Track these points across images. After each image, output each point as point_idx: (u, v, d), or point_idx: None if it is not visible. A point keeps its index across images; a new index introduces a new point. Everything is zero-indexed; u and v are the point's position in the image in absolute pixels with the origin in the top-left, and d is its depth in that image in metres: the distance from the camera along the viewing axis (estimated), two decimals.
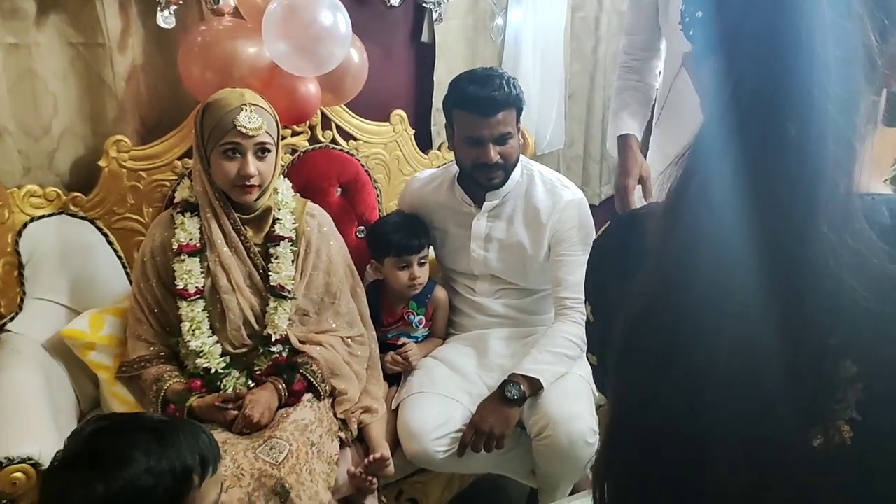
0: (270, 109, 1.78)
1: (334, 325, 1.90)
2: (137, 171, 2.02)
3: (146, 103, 2.06)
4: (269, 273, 1.80)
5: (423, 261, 2.02)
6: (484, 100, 1.85)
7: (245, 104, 1.71)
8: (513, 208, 2.00)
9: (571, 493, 1.92)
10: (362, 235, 2.25)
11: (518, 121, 1.92)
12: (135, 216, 2.04)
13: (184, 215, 1.79)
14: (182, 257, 1.77)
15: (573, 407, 1.81)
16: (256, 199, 1.79)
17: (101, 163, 1.98)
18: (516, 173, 1.99)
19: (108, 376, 1.83)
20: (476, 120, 1.86)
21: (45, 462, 1.42)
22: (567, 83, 2.75)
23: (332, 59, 1.94)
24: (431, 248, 2.10)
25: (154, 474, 1.03)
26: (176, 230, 1.78)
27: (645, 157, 2.09)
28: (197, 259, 1.78)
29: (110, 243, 2.01)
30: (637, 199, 2.02)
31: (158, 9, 1.92)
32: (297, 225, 1.85)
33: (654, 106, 2.16)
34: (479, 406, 1.83)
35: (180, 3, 1.94)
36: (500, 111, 1.85)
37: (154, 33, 2.00)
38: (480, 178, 1.94)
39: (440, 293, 2.09)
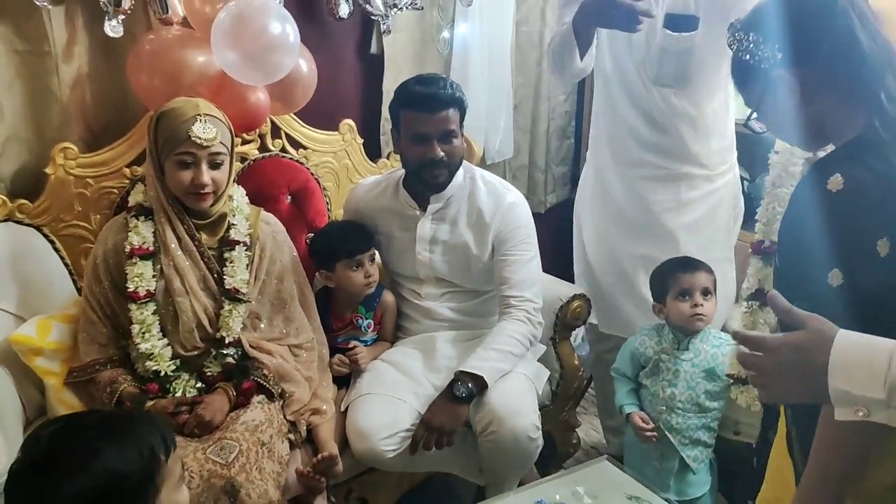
0: (225, 119, 1.81)
1: (285, 331, 1.93)
2: (85, 179, 2.02)
3: (92, 110, 2.07)
4: (224, 276, 1.83)
5: (373, 258, 2.07)
6: (430, 97, 1.93)
7: (200, 114, 1.74)
8: (457, 210, 2.06)
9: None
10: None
11: (461, 123, 1.99)
12: (82, 223, 2.04)
13: (137, 219, 1.81)
14: (134, 260, 1.79)
15: (517, 403, 1.87)
16: (211, 206, 1.82)
17: (48, 170, 1.97)
18: (459, 176, 2.06)
19: (55, 382, 1.83)
20: (422, 117, 1.94)
21: None
22: (513, 94, 2.83)
23: (281, 68, 1.98)
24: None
25: (124, 459, 1.05)
26: (129, 233, 1.80)
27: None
28: (149, 262, 1.80)
29: (57, 250, 2.01)
30: None
31: (106, 18, 1.94)
32: (251, 231, 1.89)
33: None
34: (430, 405, 1.88)
35: (128, 12, 1.96)
36: (445, 109, 1.94)
37: (101, 42, 2.02)
38: (426, 175, 2.00)
39: (388, 297, 2.14)
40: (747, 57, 1.18)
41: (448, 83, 1.97)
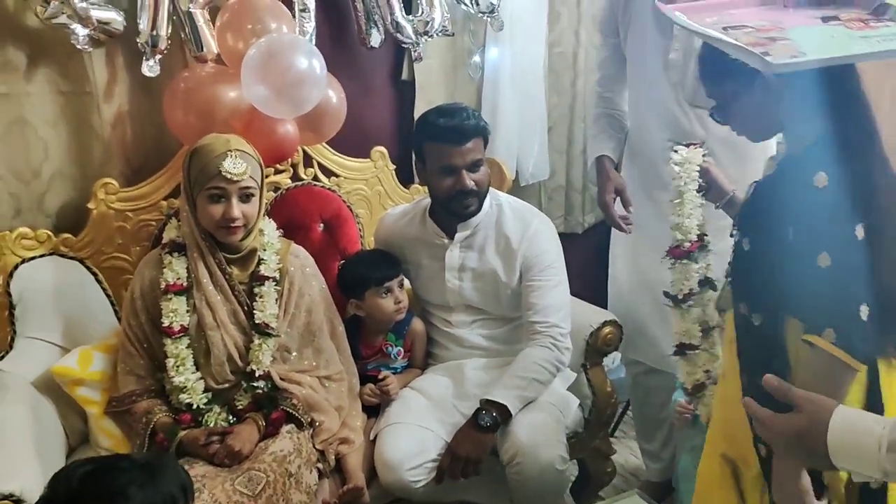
0: (255, 155, 1.86)
1: (315, 363, 1.96)
2: (125, 212, 2.10)
3: (132, 147, 2.16)
4: (254, 311, 1.87)
5: (401, 283, 2.09)
6: (456, 129, 1.94)
7: (230, 150, 1.79)
8: (484, 237, 2.07)
9: None
10: None
11: (484, 150, 2.00)
12: (122, 255, 2.12)
13: (171, 255, 1.87)
14: (169, 296, 1.84)
15: (543, 434, 1.86)
16: (242, 240, 1.86)
17: (90, 205, 2.06)
18: (486, 203, 2.06)
19: (96, 411, 1.90)
20: (449, 149, 1.95)
21: (27, 498, 1.48)
22: (547, 116, 2.82)
23: (308, 101, 2.02)
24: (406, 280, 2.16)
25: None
26: (164, 269, 1.85)
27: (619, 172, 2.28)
28: (183, 298, 1.85)
29: (99, 282, 2.08)
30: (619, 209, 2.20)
31: (144, 58, 2.01)
32: (281, 265, 1.92)
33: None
34: (455, 434, 1.89)
35: (165, 52, 2.03)
36: (471, 139, 1.95)
37: (139, 80, 2.09)
38: (457, 207, 2.01)
39: (417, 325, 2.15)
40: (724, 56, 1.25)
41: (470, 113, 1.98)
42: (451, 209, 2.02)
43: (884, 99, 2.58)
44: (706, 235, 1.78)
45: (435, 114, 2.00)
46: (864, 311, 1.22)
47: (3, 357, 1.89)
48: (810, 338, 1.25)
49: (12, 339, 1.93)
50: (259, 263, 1.90)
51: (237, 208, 1.80)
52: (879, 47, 1.16)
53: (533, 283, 2.03)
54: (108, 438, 1.90)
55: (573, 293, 2.15)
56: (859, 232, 1.23)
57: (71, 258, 2.05)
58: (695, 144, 1.76)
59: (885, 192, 1.26)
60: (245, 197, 1.82)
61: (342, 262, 2.20)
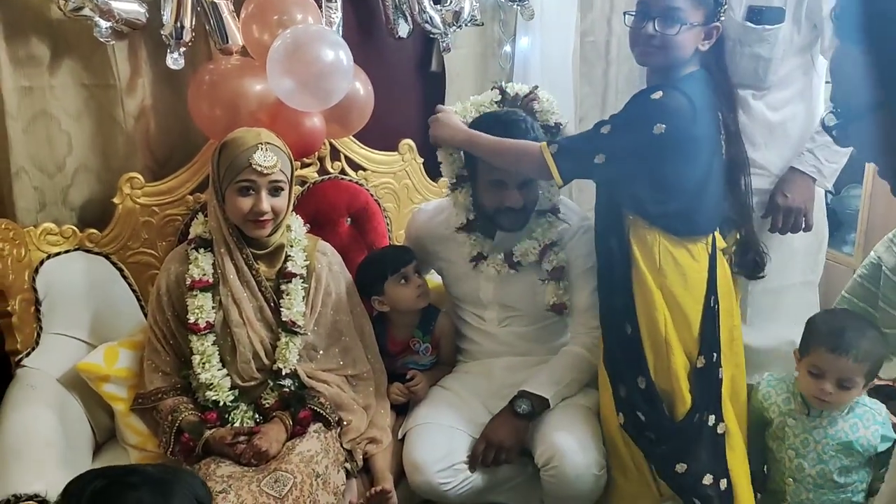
0: (285, 148, 1.82)
1: (342, 362, 1.92)
2: (150, 207, 2.07)
3: (156, 140, 2.13)
4: (281, 308, 1.83)
5: (417, 269, 2.04)
6: None
7: (261, 143, 1.76)
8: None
9: None
10: None
11: None
12: (148, 250, 2.10)
13: (198, 251, 1.84)
14: (195, 292, 1.81)
15: (581, 438, 1.80)
16: (270, 235, 1.83)
17: (116, 200, 2.04)
18: None
19: (123, 408, 1.88)
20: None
21: (53, 498, 1.46)
22: (578, 106, 2.75)
23: (335, 94, 1.98)
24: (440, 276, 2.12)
25: None
26: (190, 265, 1.83)
27: None
28: (209, 294, 1.82)
29: (125, 277, 2.07)
30: None
31: (168, 51, 1.98)
32: (308, 262, 1.89)
33: None
34: (490, 421, 1.86)
35: (189, 44, 2.00)
36: None
37: (163, 73, 2.07)
38: (502, 220, 1.94)
39: (444, 320, 2.10)
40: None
41: (527, 126, 1.86)
42: (496, 221, 1.96)
43: None
44: None
45: (492, 121, 1.89)
46: None
47: (29, 353, 1.87)
48: None
49: (38, 336, 1.91)
50: (286, 260, 1.86)
51: (266, 202, 1.76)
52: None
53: (576, 283, 1.98)
54: (135, 435, 1.88)
55: None
56: None
57: (97, 253, 2.03)
58: None
59: None
60: (274, 190, 1.78)
61: (357, 267, 2.12)
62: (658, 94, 1.64)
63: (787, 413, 1.77)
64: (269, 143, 1.77)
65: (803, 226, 2.02)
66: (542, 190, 1.98)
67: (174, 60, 2.00)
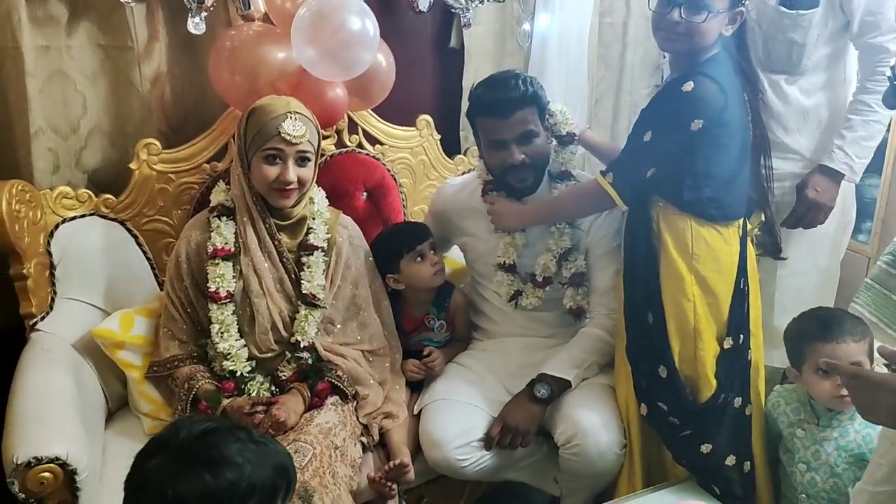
0: (313, 119, 1.80)
1: (359, 337, 1.91)
2: (167, 174, 2.04)
3: (171, 105, 2.09)
4: (301, 281, 1.82)
5: (433, 246, 2.02)
6: (499, 101, 1.85)
7: (290, 112, 1.73)
8: None
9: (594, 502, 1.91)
10: None
11: (542, 119, 1.90)
12: (164, 218, 2.07)
13: (220, 219, 1.82)
14: (216, 261, 1.79)
15: (603, 417, 1.80)
16: (294, 206, 1.81)
17: (132, 165, 2.00)
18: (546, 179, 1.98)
19: (137, 375, 1.86)
20: (496, 122, 1.87)
21: (73, 462, 1.45)
22: (593, 88, 2.73)
23: (360, 64, 1.95)
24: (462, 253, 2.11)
25: (262, 476, 1.05)
26: (212, 233, 1.80)
27: None
28: (230, 263, 1.80)
29: (140, 245, 2.04)
30: None
31: (189, 15, 1.94)
32: (329, 235, 1.87)
33: None
34: (507, 403, 1.85)
35: (211, 8, 1.96)
36: (518, 110, 1.85)
37: (181, 38, 2.03)
38: (512, 180, 1.93)
39: (459, 296, 2.10)
40: None
41: (519, 81, 1.86)
42: (507, 183, 1.94)
43: None
44: None
45: (482, 86, 1.90)
46: None
47: (43, 318, 1.84)
48: None
49: (52, 300, 1.88)
50: (308, 232, 1.84)
51: (293, 171, 1.74)
52: None
53: (597, 263, 1.97)
54: (148, 403, 1.87)
55: None
56: None
57: (112, 219, 2.00)
58: None
59: None
60: (301, 160, 1.76)
61: (371, 244, 2.09)
62: (689, 86, 1.62)
63: (796, 423, 1.74)
64: (298, 112, 1.75)
65: (822, 222, 2.04)
66: (556, 154, 1.99)
67: (195, 25, 1.96)
